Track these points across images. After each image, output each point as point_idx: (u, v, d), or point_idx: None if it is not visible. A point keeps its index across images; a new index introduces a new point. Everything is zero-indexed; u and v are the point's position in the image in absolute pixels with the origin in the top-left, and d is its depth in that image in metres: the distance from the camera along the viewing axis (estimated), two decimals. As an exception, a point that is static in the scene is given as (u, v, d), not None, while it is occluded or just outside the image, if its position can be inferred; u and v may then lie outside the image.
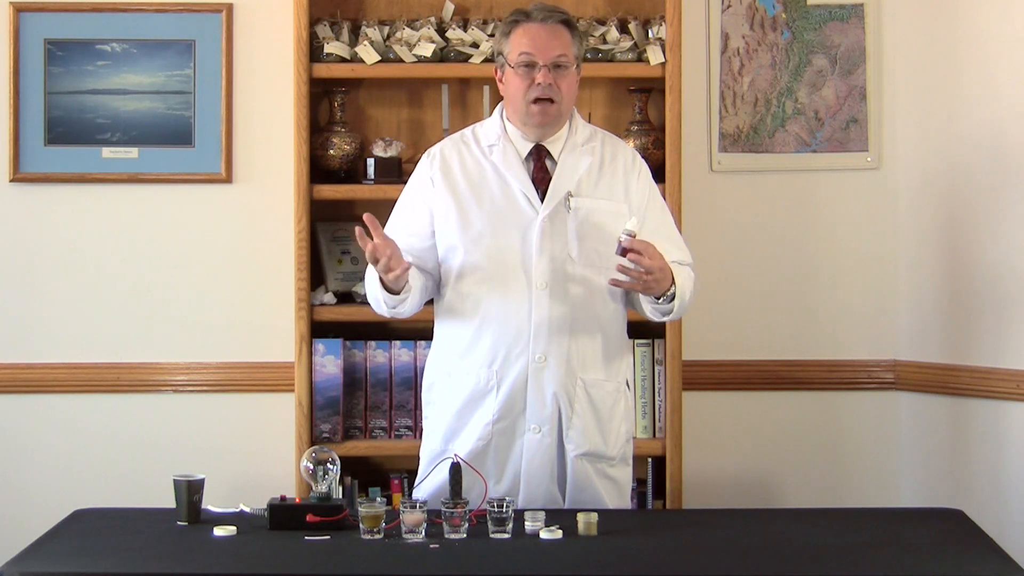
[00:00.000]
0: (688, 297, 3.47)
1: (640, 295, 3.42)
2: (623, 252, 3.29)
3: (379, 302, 3.46)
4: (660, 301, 3.40)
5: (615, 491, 3.52)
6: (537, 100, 3.42)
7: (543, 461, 3.45)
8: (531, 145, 3.50)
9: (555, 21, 3.45)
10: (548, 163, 3.49)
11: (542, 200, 3.45)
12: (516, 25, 3.47)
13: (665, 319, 3.50)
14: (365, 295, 4.18)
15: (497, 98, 4.23)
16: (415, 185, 3.56)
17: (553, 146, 3.50)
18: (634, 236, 3.30)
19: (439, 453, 3.49)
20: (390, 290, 3.39)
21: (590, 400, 3.46)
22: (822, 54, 4.41)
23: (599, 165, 3.51)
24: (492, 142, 3.52)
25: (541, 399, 3.43)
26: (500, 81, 3.52)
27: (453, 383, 3.50)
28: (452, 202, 3.48)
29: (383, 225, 3.46)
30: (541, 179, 3.48)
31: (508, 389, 3.43)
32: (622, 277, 3.31)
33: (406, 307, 3.44)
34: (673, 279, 3.37)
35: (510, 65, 3.46)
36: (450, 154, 3.54)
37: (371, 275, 3.45)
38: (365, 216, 3.30)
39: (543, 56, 3.42)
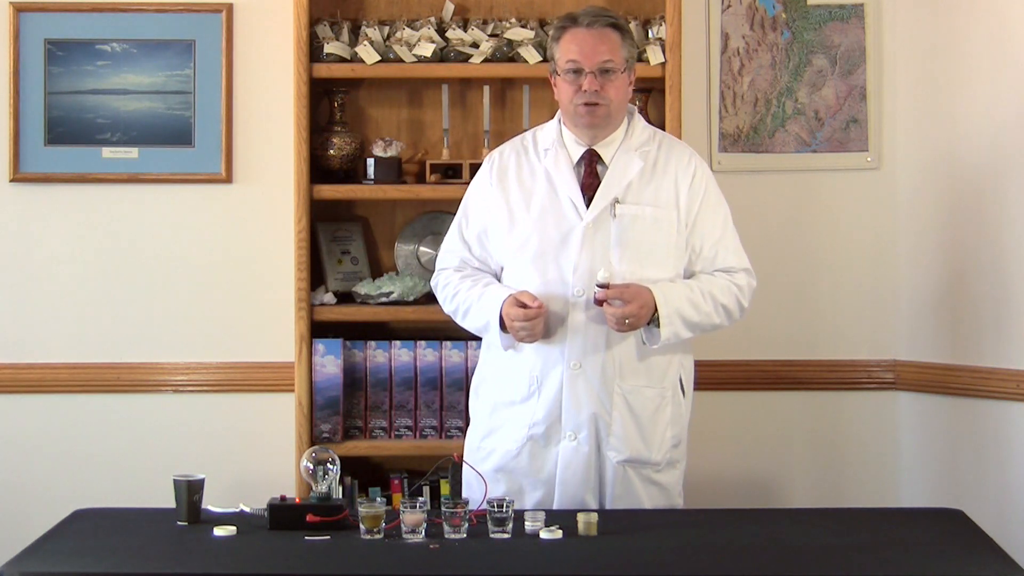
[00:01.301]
0: (707, 313, 3.44)
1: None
2: (598, 303, 3.35)
3: (481, 331, 3.49)
4: (650, 327, 3.40)
5: (661, 496, 3.51)
6: (584, 103, 3.42)
7: (578, 469, 3.44)
8: (583, 150, 3.49)
9: (602, 25, 3.44)
10: (599, 168, 3.49)
11: (588, 206, 3.45)
12: (564, 31, 3.47)
13: (661, 343, 3.43)
14: (365, 295, 4.20)
15: (495, 97, 4.27)
16: (476, 187, 3.60)
17: (606, 150, 3.49)
18: (607, 286, 3.33)
19: (475, 450, 3.52)
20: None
21: (629, 407, 3.45)
22: (822, 54, 4.41)
23: (651, 169, 3.49)
24: (547, 146, 3.52)
25: (577, 406, 3.43)
26: (554, 86, 3.52)
27: (499, 384, 3.52)
28: (504, 205, 3.50)
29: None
30: (590, 184, 3.47)
31: (547, 396, 3.44)
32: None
33: (508, 342, 3.47)
34: (657, 310, 3.36)
35: (558, 72, 3.46)
36: (508, 157, 3.56)
37: (475, 301, 3.47)
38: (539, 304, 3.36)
39: (589, 62, 3.41)
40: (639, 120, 3.55)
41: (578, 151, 3.49)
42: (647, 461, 3.47)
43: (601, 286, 3.34)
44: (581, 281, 3.41)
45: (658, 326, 3.38)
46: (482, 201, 3.55)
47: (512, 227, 3.48)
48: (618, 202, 3.44)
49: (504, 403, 3.49)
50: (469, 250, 3.55)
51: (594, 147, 3.48)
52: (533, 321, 3.36)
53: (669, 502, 3.54)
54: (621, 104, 3.48)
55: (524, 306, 3.36)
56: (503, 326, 3.41)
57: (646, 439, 3.46)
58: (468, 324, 3.54)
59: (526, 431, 3.45)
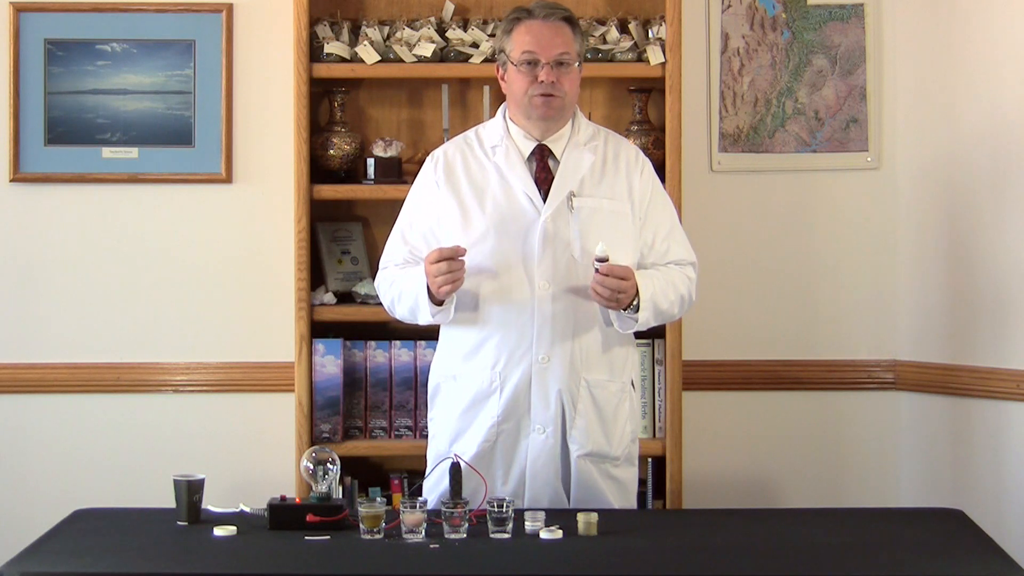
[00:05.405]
0: (672, 302, 3.47)
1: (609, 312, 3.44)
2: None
3: (413, 311, 3.46)
4: (626, 312, 3.40)
5: (619, 492, 3.52)
6: (540, 94, 3.43)
7: (547, 461, 3.45)
8: (533, 145, 3.50)
9: (557, 18, 3.46)
10: (551, 163, 3.50)
11: (544, 200, 3.45)
12: (518, 23, 3.48)
13: (633, 329, 3.46)
14: (365, 295, 4.20)
15: (496, 98, 4.25)
16: (420, 188, 3.57)
17: (555, 145, 3.51)
18: (606, 260, 3.32)
19: (445, 455, 3.50)
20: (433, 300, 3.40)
21: (593, 400, 3.47)
22: (822, 54, 4.41)
23: (602, 163, 3.52)
24: (495, 143, 3.52)
25: (545, 400, 3.44)
26: (502, 79, 3.52)
27: (458, 386, 3.51)
28: (455, 204, 3.49)
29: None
30: (544, 179, 3.48)
31: (512, 390, 3.44)
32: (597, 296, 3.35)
33: (440, 317, 3.45)
34: (638, 291, 3.37)
35: (512, 63, 3.46)
36: (453, 156, 3.55)
37: (405, 280, 3.45)
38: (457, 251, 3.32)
39: (545, 54, 3.42)
40: (582, 116, 3.57)
41: (528, 146, 3.50)
42: (607, 455, 3.49)
43: (600, 260, 3.33)
44: (547, 275, 3.42)
45: (636, 311, 3.39)
46: (429, 202, 3.53)
47: (467, 224, 3.46)
48: (574, 195, 3.46)
49: (467, 403, 3.48)
50: (413, 251, 3.53)
51: (544, 142, 3.49)
52: (450, 262, 3.30)
53: (626, 502, 3.55)
54: (574, 97, 3.50)
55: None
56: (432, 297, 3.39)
57: (607, 433, 3.48)
58: (402, 308, 3.50)
59: (495, 428, 3.45)
